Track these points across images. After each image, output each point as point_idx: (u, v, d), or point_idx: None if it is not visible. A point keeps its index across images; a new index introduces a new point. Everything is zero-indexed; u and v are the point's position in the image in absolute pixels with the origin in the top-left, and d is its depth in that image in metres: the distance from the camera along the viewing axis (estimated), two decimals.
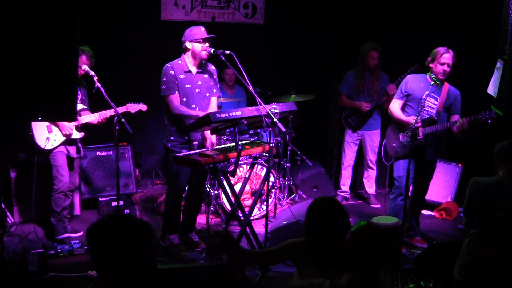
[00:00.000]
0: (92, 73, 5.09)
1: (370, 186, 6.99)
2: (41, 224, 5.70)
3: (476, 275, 3.68)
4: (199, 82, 5.26)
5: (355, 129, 6.79)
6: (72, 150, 5.51)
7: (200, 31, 5.12)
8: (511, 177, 3.69)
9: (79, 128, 5.46)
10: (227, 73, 6.98)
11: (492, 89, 4.23)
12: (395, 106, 5.54)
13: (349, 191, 7.08)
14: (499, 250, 3.61)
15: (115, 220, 2.25)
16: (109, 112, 5.40)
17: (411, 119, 5.26)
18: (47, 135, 5.29)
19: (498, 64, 4.11)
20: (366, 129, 6.75)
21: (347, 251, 2.58)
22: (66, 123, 5.28)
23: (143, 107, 5.66)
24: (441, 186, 6.76)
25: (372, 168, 6.89)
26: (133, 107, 5.58)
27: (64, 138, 5.38)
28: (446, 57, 5.22)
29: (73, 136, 5.45)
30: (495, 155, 3.80)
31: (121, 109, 5.29)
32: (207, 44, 5.12)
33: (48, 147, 5.31)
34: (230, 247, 3.02)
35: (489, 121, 4.92)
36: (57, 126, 5.31)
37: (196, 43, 5.10)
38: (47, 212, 5.56)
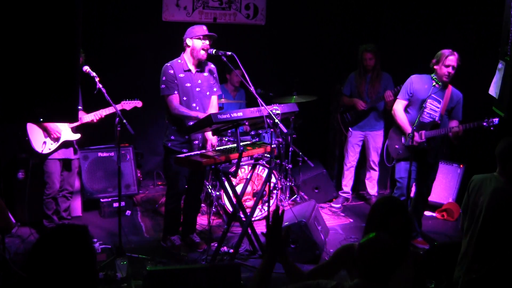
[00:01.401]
0: (94, 74, 5.08)
1: (372, 188, 6.99)
2: (36, 227, 5.68)
3: (463, 274, 3.69)
4: (199, 81, 5.26)
5: (348, 126, 6.83)
6: (70, 152, 5.51)
7: (202, 29, 5.13)
8: (499, 174, 3.71)
9: (74, 129, 5.47)
10: (236, 74, 6.95)
11: (493, 90, 4.24)
12: (399, 108, 5.54)
13: (350, 192, 7.07)
14: (475, 246, 3.63)
15: (51, 246, 2.16)
16: (105, 111, 5.42)
17: (410, 128, 5.27)
18: (43, 139, 5.30)
19: (499, 65, 4.12)
20: (370, 129, 6.75)
21: (357, 260, 2.63)
22: (54, 127, 5.28)
23: (138, 103, 5.66)
24: (443, 187, 6.76)
25: (374, 169, 6.89)
26: (128, 104, 5.58)
27: (62, 141, 5.38)
28: (451, 59, 5.21)
29: (70, 138, 5.45)
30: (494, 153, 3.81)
31: (112, 109, 5.29)
32: (207, 42, 5.12)
33: (46, 151, 5.32)
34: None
35: (491, 128, 4.93)
36: (46, 129, 5.30)
37: (197, 40, 5.10)
38: (42, 215, 5.58)
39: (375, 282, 2.58)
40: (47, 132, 5.29)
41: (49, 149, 5.33)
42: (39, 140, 5.29)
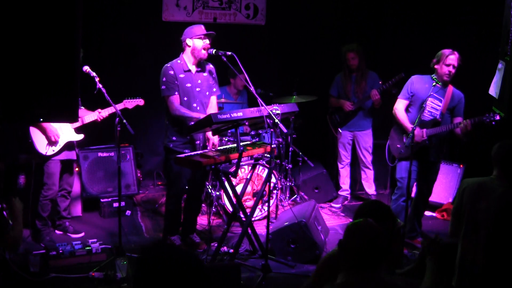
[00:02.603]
0: (94, 74, 5.08)
1: (369, 187, 6.99)
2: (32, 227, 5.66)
3: (468, 281, 3.66)
4: (199, 81, 5.26)
5: (337, 127, 6.86)
6: (72, 153, 5.53)
7: (201, 28, 5.14)
8: (499, 178, 3.65)
9: (77, 130, 5.47)
10: (240, 78, 6.90)
11: (493, 90, 4.23)
12: (400, 107, 5.54)
13: (349, 190, 7.08)
14: (484, 254, 3.59)
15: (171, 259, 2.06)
16: (107, 111, 5.43)
17: (411, 127, 5.27)
18: (46, 141, 5.30)
19: (499, 65, 4.11)
20: (358, 129, 6.79)
21: (343, 248, 2.55)
22: (53, 130, 5.28)
23: (140, 101, 5.67)
24: (443, 187, 6.76)
25: (369, 168, 6.91)
26: (130, 103, 5.59)
27: (65, 142, 5.39)
28: (451, 58, 5.23)
29: (73, 139, 5.46)
30: (491, 156, 3.76)
31: (118, 106, 5.30)
32: (207, 41, 5.12)
33: (50, 153, 5.32)
34: None
35: (493, 123, 4.93)
36: (45, 132, 5.29)
37: (197, 39, 5.11)
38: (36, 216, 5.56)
39: (364, 271, 2.47)
40: (46, 136, 5.29)
41: (53, 150, 5.33)
42: (43, 142, 5.29)
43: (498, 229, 3.56)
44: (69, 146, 5.46)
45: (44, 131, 5.28)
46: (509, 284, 3.55)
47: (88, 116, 5.44)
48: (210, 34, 5.12)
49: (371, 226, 2.56)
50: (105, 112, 5.46)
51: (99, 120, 5.48)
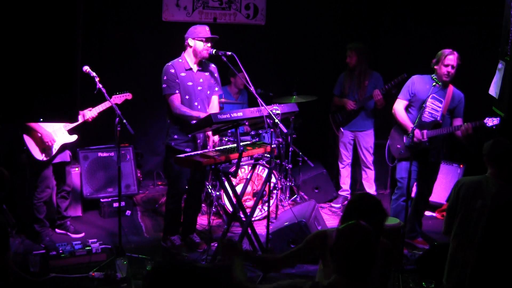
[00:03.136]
0: (94, 74, 5.08)
1: (370, 187, 6.99)
2: (26, 231, 5.64)
3: (458, 278, 3.67)
4: (201, 80, 5.27)
5: (339, 126, 6.86)
6: (65, 155, 5.54)
7: (205, 30, 5.15)
8: (494, 177, 3.65)
9: (71, 131, 5.47)
10: (240, 77, 6.91)
11: (493, 90, 4.24)
12: (400, 107, 5.54)
13: (349, 190, 7.08)
14: (476, 252, 3.59)
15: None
16: (97, 110, 5.43)
17: (412, 126, 5.26)
18: (42, 147, 5.30)
19: (499, 65, 4.12)
20: (359, 129, 6.78)
21: (333, 252, 2.48)
22: (48, 134, 5.28)
23: (127, 95, 5.67)
24: (443, 187, 6.76)
25: (369, 168, 6.90)
26: (118, 98, 5.58)
27: (60, 145, 5.39)
28: (450, 58, 5.23)
29: (67, 141, 5.46)
30: (483, 154, 3.76)
31: (107, 104, 5.28)
32: (209, 44, 5.14)
33: (46, 158, 5.32)
34: (243, 256, 2.94)
35: (493, 127, 4.93)
36: (40, 138, 5.27)
37: (199, 41, 5.12)
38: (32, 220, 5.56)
39: (356, 280, 2.39)
40: (41, 141, 5.28)
41: (50, 155, 5.33)
42: (37, 149, 5.29)
43: (492, 229, 3.56)
44: (62, 148, 5.46)
45: (39, 137, 5.27)
46: (500, 283, 3.56)
47: (80, 117, 5.43)
48: (212, 38, 5.14)
49: (361, 228, 2.48)
50: (94, 112, 5.44)
51: (90, 119, 5.46)
